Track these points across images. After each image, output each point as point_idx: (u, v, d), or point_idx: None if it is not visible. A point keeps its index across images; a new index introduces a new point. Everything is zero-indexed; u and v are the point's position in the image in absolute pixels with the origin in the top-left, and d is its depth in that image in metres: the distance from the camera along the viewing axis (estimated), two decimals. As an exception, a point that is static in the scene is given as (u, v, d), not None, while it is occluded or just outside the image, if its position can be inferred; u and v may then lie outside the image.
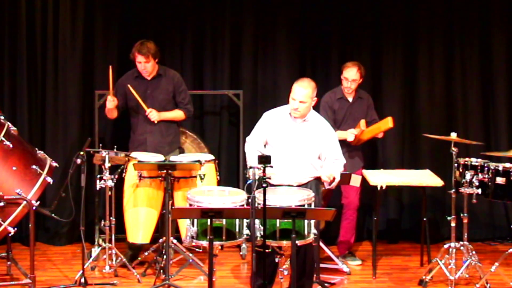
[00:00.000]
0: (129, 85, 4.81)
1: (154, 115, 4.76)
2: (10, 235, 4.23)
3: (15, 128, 4.44)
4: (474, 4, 5.69)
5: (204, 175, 4.50)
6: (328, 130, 4.01)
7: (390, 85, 5.72)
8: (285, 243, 3.55)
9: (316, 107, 4.16)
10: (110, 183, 4.53)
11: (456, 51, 5.71)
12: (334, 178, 3.86)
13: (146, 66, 4.76)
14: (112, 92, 4.81)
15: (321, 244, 4.68)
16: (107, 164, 4.49)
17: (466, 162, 4.37)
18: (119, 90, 4.91)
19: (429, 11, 5.68)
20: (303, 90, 3.86)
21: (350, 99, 5.00)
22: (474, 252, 4.39)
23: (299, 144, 3.91)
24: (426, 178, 4.84)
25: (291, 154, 3.90)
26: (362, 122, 4.82)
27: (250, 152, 3.97)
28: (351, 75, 4.86)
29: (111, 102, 4.78)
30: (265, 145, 3.97)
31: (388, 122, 4.82)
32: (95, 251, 4.79)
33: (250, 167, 3.55)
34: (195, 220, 3.63)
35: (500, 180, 4.27)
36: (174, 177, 4.39)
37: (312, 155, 3.91)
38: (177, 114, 4.96)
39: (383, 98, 5.69)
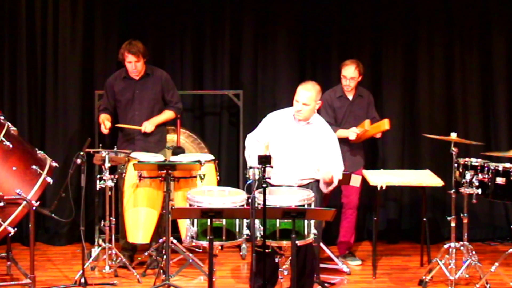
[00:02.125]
0: (119, 125, 4.87)
1: (148, 127, 4.78)
2: (10, 235, 4.23)
3: (15, 128, 4.44)
4: (474, 4, 5.69)
5: (204, 175, 4.50)
6: (330, 135, 4.00)
7: (390, 85, 5.73)
8: (285, 243, 3.54)
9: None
10: (110, 183, 4.53)
11: (456, 51, 5.71)
12: (332, 178, 3.83)
13: (136, 65, 4.75)
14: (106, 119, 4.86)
15: (321, 244, 4.68)
16: (107, 164, 4.49)
17: (466, 162, 4.37)
18: (108, 90, 4.92)
19: (429, 11, 5.68)
20: (307, 92, 3.86)
21: (350, 97, 5.00)
22: (474, 252, 4.39)
23: (301, 147, 3.90)
24: (426, 178, 4.84)
25: (292, 156, 3.90)
26: (367, 122, 4.81)
27: (251, 148, 3.96)
28: (349, 72, 4.86)
29: (105, 130, 4.83)
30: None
31: (385, 124, 4.82)
32: (95, 251, 4.79)
33: (250, 167, 3.55)
34: (195, 220, 3.63)
35: (500, 180, 4.27)
36: (174, 177, 4.39)
37: (313, 158, 3.91)
38: (168, 116, 4.96)
39: (383, 98, 5.70)
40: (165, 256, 4.30)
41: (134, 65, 4.73)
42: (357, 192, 4.94)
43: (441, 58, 5.71)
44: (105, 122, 4.80)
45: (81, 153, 4.35)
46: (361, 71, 4.92)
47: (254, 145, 3.96)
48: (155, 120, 4.84)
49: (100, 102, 5.15)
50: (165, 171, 4.30)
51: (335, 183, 3.86)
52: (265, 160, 3.36)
